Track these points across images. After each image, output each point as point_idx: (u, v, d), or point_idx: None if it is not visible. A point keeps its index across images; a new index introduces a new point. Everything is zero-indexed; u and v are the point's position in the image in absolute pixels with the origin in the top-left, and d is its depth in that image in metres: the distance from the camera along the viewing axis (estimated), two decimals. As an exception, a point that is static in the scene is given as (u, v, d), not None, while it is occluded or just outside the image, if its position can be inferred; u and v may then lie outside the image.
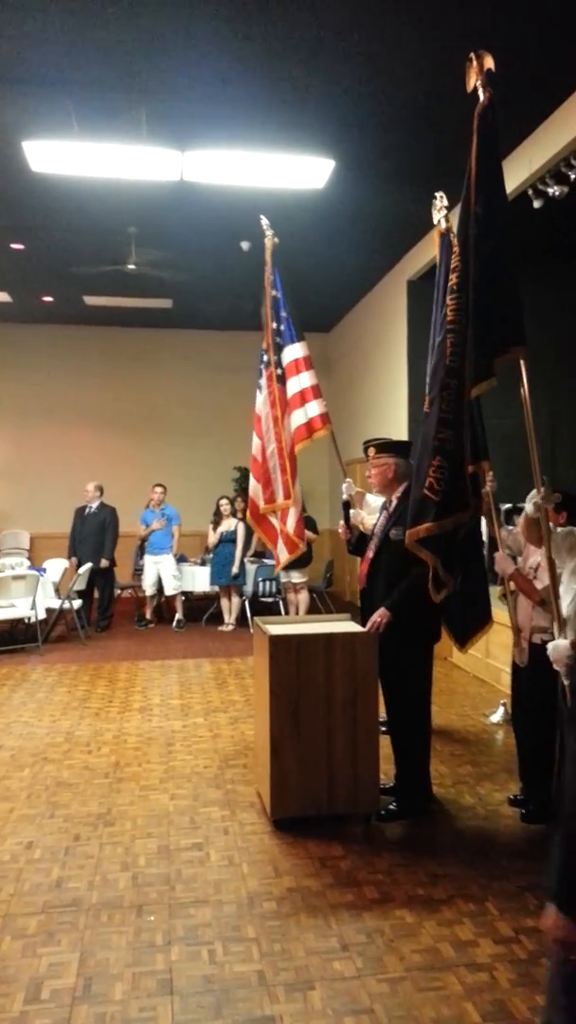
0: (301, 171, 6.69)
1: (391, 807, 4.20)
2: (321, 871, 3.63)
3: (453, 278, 3.64)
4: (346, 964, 2.92)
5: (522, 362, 3.49)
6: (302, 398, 5.42)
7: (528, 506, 3.72)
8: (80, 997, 2.75)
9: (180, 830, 4.10)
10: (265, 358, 5.58)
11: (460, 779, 4.73)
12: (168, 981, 2.83)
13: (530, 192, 6.47)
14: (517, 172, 6.46)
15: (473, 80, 3.58)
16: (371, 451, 4.34)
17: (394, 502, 4.26)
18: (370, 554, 4.30)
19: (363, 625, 4.24)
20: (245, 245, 8.58)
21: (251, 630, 9.39)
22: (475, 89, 3.61)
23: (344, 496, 5.62)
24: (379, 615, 4.07)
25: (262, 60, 5.19)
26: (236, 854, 3.81)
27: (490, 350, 3.46)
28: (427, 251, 8.44)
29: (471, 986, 2.78)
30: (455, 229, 3.87)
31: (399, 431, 9.16)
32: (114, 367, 12.56)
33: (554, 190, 6.28)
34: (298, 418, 5.40)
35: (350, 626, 4.45)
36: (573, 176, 6.02)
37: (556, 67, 5.25)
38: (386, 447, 4.35)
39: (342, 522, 4.69)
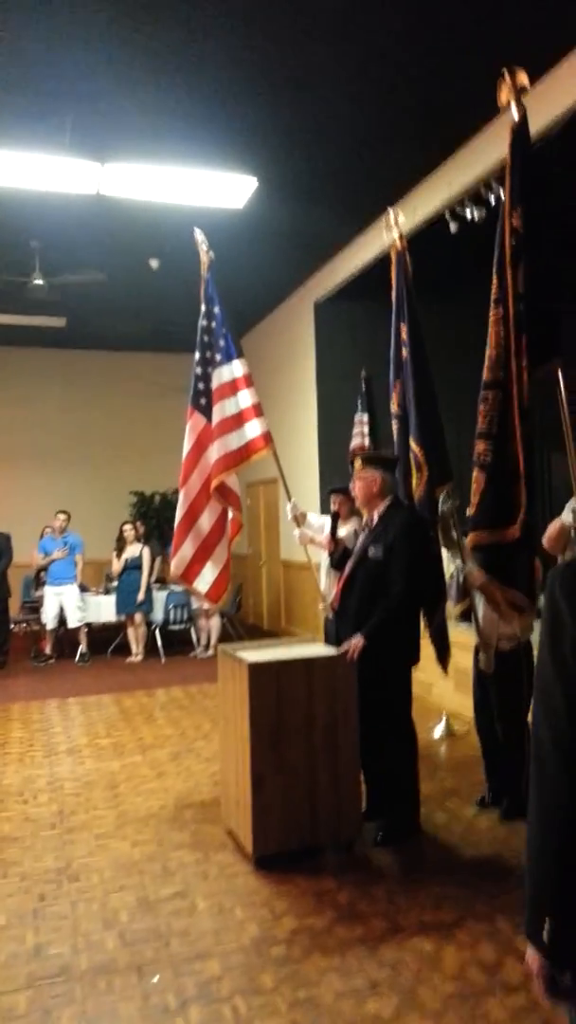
0: (223, 189, 6.58)
1: (381, 832, 4.07)
2: (320, 907, 3.46)
3: (494, 291, 3.62)
4: (382, 1004, 2.76)
5: (559, 372, 3.51)
6: (238, 420, 5.21)
7: (567, 514, 3.74)
8: (103, 1079, 2.46)
9: (155, 879, 3.81)
10: (200, 386, 5.32)
11: (426, 798, 4.64)
12: (197, 1047, 2.59)
13: (447, 215, 6.63)
14: (435, 195, 6.63)
15: (506, 96, 3.61)
16: (358, 462, 4.23)
17: (375, 519, 4.16)
18: (346, 571, 4.18)
19: (336, 645, 4.11)
20: (154, 263, 8.37)
21: (161, 659, 9.17)
22: (506, 105, 3.65)
23: (289, 516, 5.51)
24: (354, 643, 3.94)
25: (188, 75, 5.07)
26: (224, 899, 3.58)
27: (533, 360, 3.47)
28: (335, 274, 8.53)
29: (514, 1010, 2.69)
30: (497, 244, 3.78)
31: (309, 451, 9.16)
32: (1, 389, 11.89)
33: (472, 213, 6.46)
34: (231, 442, 5.18)
35: (321, 649, 4.32)
36: (492, 199, 6.21)
37: (475, 88, 5.38)
38: (373, 460, 4.25)
39: (328, 535, 4.57)
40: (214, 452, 5.08)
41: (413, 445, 4.65)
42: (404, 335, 4.70)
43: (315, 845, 3.93)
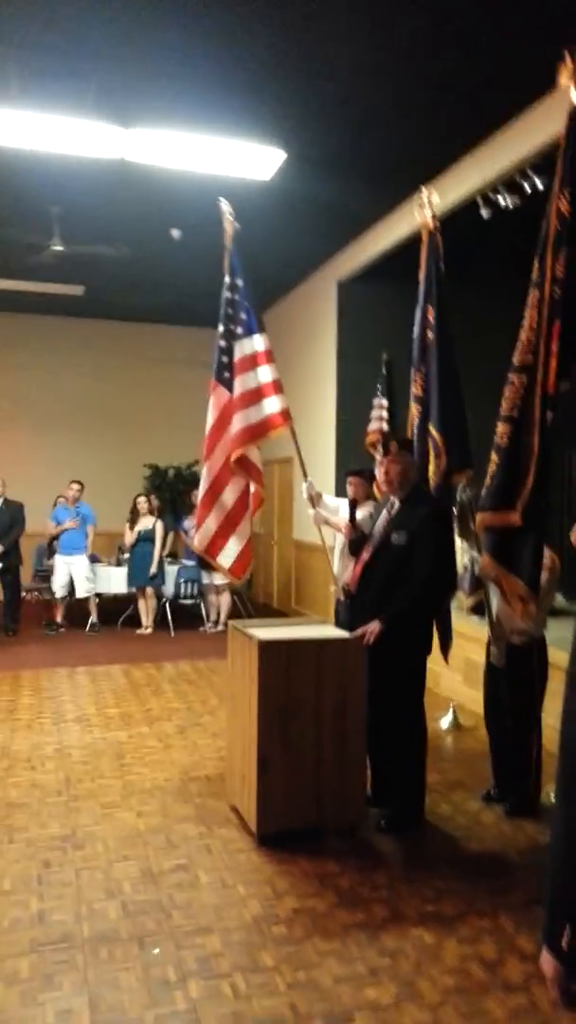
0: (250, 160, 6.50)
1: (387, 819, 4.08)
2: (322, 890, 3.47)
3: (535, 273, 3.56)
4: (380, 991, 2.78)
5: None
6: (258, 394, 5.15)
7: None
8: (103, 1048, 2.48)
9: (158, 851, 3.84)
10: (223, 359, 5.26)
11: (430, 788, 4.63)
12: (195, 1021, 2.60)
13: (480, 200, 6.53)
14: (469, 179, 6.52)
15: (565, 79, 3.53)
16: (393, 445, 4.19)
17: (397, 504, 4.13)
18: (366, 556, 4.16)
19: (350, 630, 4.10)
20: (176, 233, 8.29)
21: (171, 633, 9.20)
22: (566, 89, 3.56)
23: (304, 495, 5.49)
24: (372, 627, 3.94)
25: (218, 42, 4.97)
26: (227, 875, 3.60)
27: (572, 350, 3.42)
28: (361, 253, 8.43)
29: (513, 1010, 2.68)
30: (544, 226, 3.68)
31: (326, 432, 9.12)
32: (18, 357, 11.85)
33: (506, 201, 6.36)
34: (251, 416, 5.13)
35: (333, 631, 4.31)
36: (528, 187, 6.11)
37: (517, 72, 5.27)
38: (407, 444, 4.23)
39: (347, 519, 4.53)
40: (234, 425, 5.05)
41: (433, 431, 4.60)
42: (431, 317, 4.64)
43: (318, 827, 3.94)
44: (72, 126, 5.79)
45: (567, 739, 1.38)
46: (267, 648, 3.83)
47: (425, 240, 4.73)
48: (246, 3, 4.56)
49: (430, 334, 4.61)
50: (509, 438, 3.60)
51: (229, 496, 5.09)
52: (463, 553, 5.86)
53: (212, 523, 5.04)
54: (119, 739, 5.53)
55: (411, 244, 7.54)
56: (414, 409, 4.87)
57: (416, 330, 4.74)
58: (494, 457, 3.65)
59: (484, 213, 6.56)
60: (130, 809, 4.33)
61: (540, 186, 6.01)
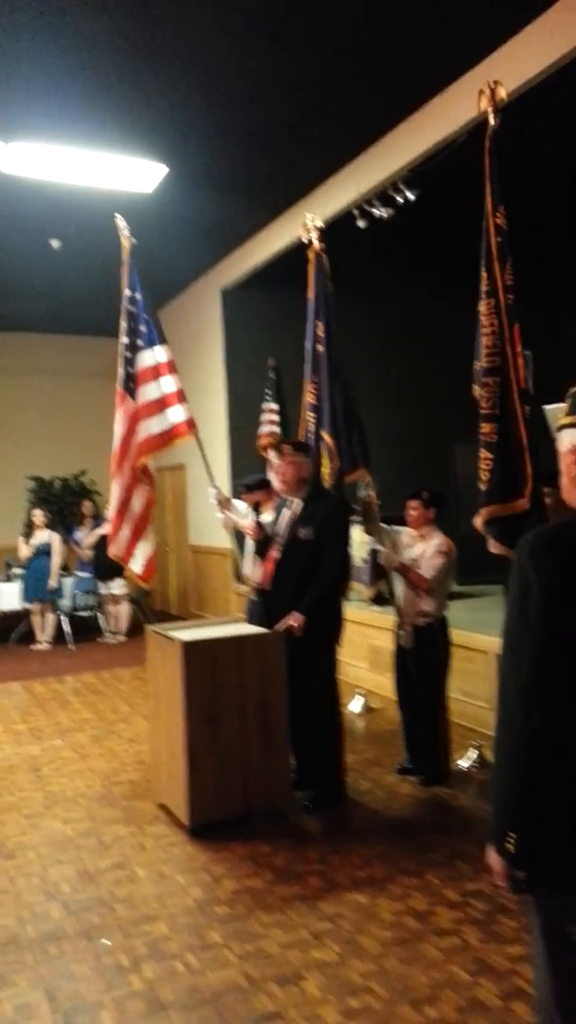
0: (132, 174, 6.62)
1: (311, 799, 4.28)
2: (258, 870, 3.63)
3: (484, 284, 3.84)
4: (325, 951, 2.96)
5: None
6: (161, 404, 5.29)
7: None
8: (68, 1034, 2.55)
9: (92, 852, 3.89)
10: (129, 370, 5.36)
11: (349, 768, 4.85)
12: (155, 999, 2.71)
13: (356, 212, 6.87)
14: (344, 193, 6.86)
15: (484, 105, 3.85)
16: (286, 447, 4.40)
17: (299, 502, 4.34)
18: (275, 554, 4.34)
19: (268, 626, 4.29)
20: (55, 243, 8.25)
21: (70, 645, 9.09)
22: (484, 114, 3.91)
23: (212, 500, 5.63)
24: (295, 619, 4.14)
25: (99, 58, 5.07)
26: (164, 867, 3.70)
27: None
28: (243, 262, 8.64)
29: (448, 950, 2.94)
30: (483, 241, 3.96)
31: (219, 436, 9.26)
32: None
33: (380, 212, 6.73)
34: (152, 426, 5.27)
35: (248, 628, 4.47)
36: (400, 200, 6.49)
37: (386, 92, 5.62)
38: (301, 446, 4.45)
39: (254, 520, 4.70)
40: (139, 435, 5.16)
41: (325, 436, 4.91)
42: (320, 332, 4.92)
43: (248, 814, 4.10)
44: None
45: (502, 673, 1.62)
46: (191, 648, 3.95)
47: (312, 260, 4.99)
48: (127, 22, 4.67)
49: (320, 347, 4.89)
50: (497, 434, 3.86)
51: (136, 504, 5.19)
52: (362, 546, 6.16)
53: (126, 531, 5.13)
54: (32, 753, 5.49)
55: (292, 253, 7.83)
56: (309, 416, 5.14)
57: (307, 344, 5.02)
58: (485, 454, 3.88)
59: (360, 223, 6.91)
60: (55, 817, 4.35)
61: (412, 197, 6.42)
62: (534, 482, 3.83)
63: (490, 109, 3.91)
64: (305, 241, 5.14)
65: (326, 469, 4.93)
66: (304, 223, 5.12)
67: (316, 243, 5.00)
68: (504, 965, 2.82)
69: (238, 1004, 2.67)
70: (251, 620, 4.94)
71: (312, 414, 5.12)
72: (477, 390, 3.92)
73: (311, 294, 5.08)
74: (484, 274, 3.88)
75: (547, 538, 1.63)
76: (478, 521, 3.89)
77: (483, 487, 3.92)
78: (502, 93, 3.93)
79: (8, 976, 2.88)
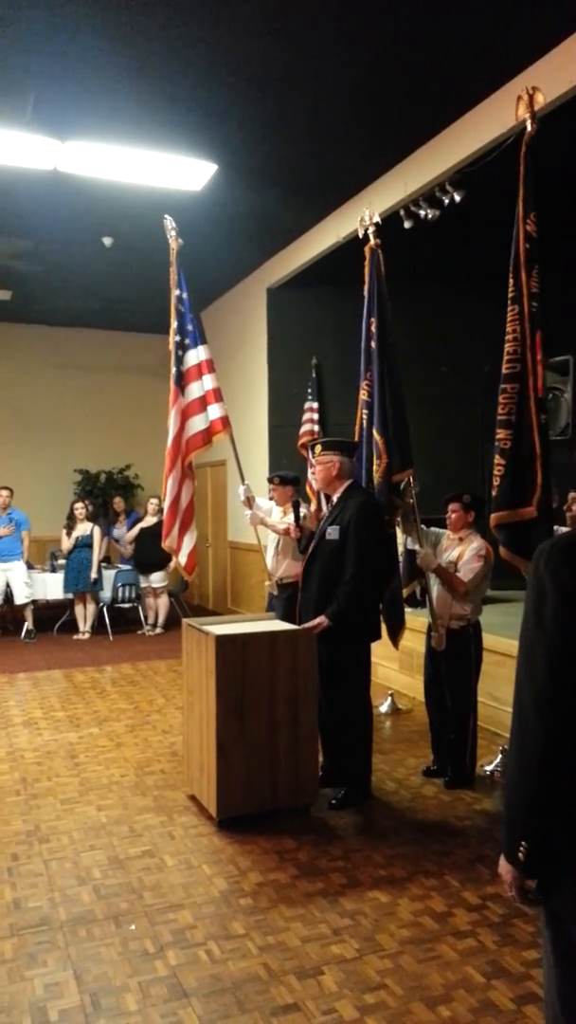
0: (182, 172, 6.71)
1: (338, 797, 4.35)
2: (282, 864, 3.71)
3: (510, 290, 3.87)
4: (344, 947, 3.03)
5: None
6: (203, 403, 5.42)
7: None
8: (92, 1013, 2.66)
9: (123, 839, 4.01)
10: (174, 370, 5.50)
11: (375, 768, 4.94)
12: (177, 985, 2.81)
13: (402, 213, 6.89)
14: (391, 193, 6.87)
15: (523, 112, 3.87)
16: (317, 448, 4.47)
17: (334, 501, 4.40)
18: (308, 553, 4.42)
19: (298, 624, 4.36)
20: (108, 241, 8.40)
21: (109, 637, 9.28)
22: (523, 121, 3.94)
23: (241, 498, 5.75)
24: (319, 621, 4.20)
25: (154, 58, 5.15)
26: (192, 857, 3.80)
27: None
28: (289, 261, 8.70)
29: (463, 952, 2.99)
30: (513, 247, 3.97)
31: (260, 434, 9.34)
32: None
33: (426, 212, 6.74)
34: (197, 424, 5.40)
35: (281, 624, 4.55)
36: (446, 200, 6.50)
37: (437, 93, 5.62)
38: (331, 445, 4.50)
39: (292, 522, 4.77)
40: (187, 432, 5.31)
41: (375, 434, 4.92)
42: (374, 329, 4.92)
43: (275, 809, 4.18)
44: (8, 138, 5.89)
45: (518, 682, 1.65)
46: (223, 642, 4.04)
47: (368, 257, 5.01)
48: (179, 22, 4.75)
49: (373, 344, 4.90)
50: (511, 441, 3.89)
51: (184, 498, 5.33)
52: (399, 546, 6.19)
53: (177, 525, 5.27)
54: (70, 740, 5.65)
55: (336, 253, 7.89)
56: (361, 414, 5.16)
57: (363, 341, 5.03)
58: (499, 460, 3.92)
59: (406, 224, 6.92)
60: (89, 804, 4.48)
61: (458, 199, 6.42)
62: (543, 491, 3.84)
63: (527, 115, 3.91)
64: (361, 236, 5.14)
65: (376, 467, 4.93)
66: (362, 218, 5.13)
67: (372, 239, 5.01)
68: (518, 969, 2.86)
69: (257, 994, 2.75)
70: (276, 613, 5.05)
71: (365, 411, 5.13)
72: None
73: (366, 290, 5.09)
74: (511, 280, 3.88)
75: (563, 546, 1.63)
76: (492, 521, 3.94)
77: (494, 492, 3.95)
78: (540, 99, 3.92)
79: (39, 956, 3.00)
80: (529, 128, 3.92)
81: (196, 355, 5.42)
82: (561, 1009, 1.70)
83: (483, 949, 3.01)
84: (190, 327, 5.40)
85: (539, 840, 1.60)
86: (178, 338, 5.41)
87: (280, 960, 2.95)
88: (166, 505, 5.32)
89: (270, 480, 6.40)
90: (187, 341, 5.36)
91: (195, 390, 5.41)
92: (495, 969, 2.88)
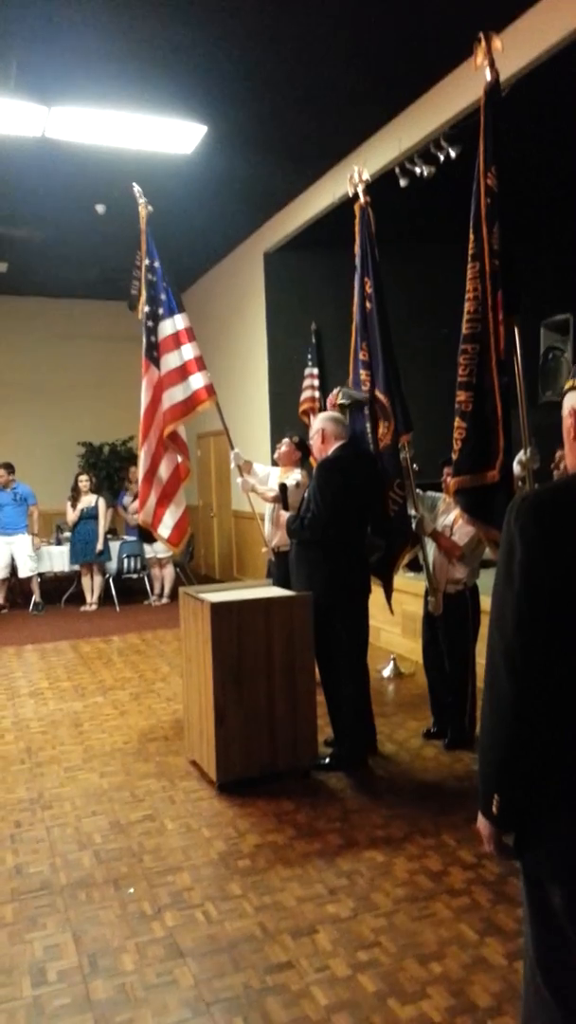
0: (171, 135, 6.59)
1: (327, 759, 4.38)
2: (280, 826, 3.75)
3: (471, 247, 3.75)
4: (339, 906, 3.07)
5: (516, 329, 3.70)
6: (183, 372, 5.39)
7: (515, 466, 3.96)
8: (90, 973, 2.71)
9: (124, 805, 4.06)
10: (151, 339, 5.44)
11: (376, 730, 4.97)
12: (174, 945, 2.85)
13: (397, 171, 6.75)
14: (386, 150, 6.74)
15: (480, 59, 3.72)
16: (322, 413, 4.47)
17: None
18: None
19: (284, 586, 4.37)
20: (101, 208, 8.30)
21: (116, 608, 9.33)
22: (480, 68, 3.76)
23: (232, 465, 5.73)
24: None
25: (139, 19, 5.04)
26: (191, 820, 3.84)
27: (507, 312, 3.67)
28: (285, 224, 8.58)
29: (458, 909, 3.02)
30: (473, 201, 3.81)
31: (260, 401, 9.29)
32: None
33: (421, 170, 6.60)
34: (176, 395, 5.37)
35: (277, 591, 4.56)
36: (442, 157, 6.36)
37: (429, 47, 5.48)
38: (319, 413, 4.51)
39: (277, 489, 4.77)
40: (164, 403, 5.27)
41: (380, 395, 4.82)
42: (368, 289, 4.83)
43: (274, 772, 4.21)
44: (-7, 105, 5.80)
45: (490, 637, 1.64)
46: (219, 609, 4.05)
47: (358, 215, 4.89)
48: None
49: (369, 304, 4.81)
50: (472, 403, 3.81)
51: (164, 470, 5.32)
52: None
53: (153, 498, 5.25)
54: (75, 709, 5.70)
55: (333, 215, 7.75)
56: (363, 375, 5.05)
57: (356, 301, 4.92)
58: (460, 423, 3.83)
59: (402, 182, 6.79)
60: (92, 771, 4.53)
61: (453, 155, 6.28)
62: (506, 455, 3.77)
63: (485, 62, 3.76)
64: (351, 195, 5.03)
65: (383, 429, 4.84)
66: (351, 176, 5.02)
67: (362, 197, 4.90)
68: (511, 926, 2.89)
69: (252, 953, 2.79)
70: (273, 580, 5.06)
71: (366, 371, 5.01)
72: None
73: (357, 250, 4.98)
74: (471, 235, 3.76)
75: (534, 502, 1.60)
76: (451, 485, 3.87)
77: (454, 456, 3.87)
78: (498, 44, 3.76)
79: (39, 919, 3.05)
80: (488, 77, 3.77)
81: (172, 324, 5.38)
82: (536, 960, 1.72)
83: (477, 907, 3.03)
84: (163, 296, 5.34)
85: (512, 793, 1.61)
86: (147, 308, 5.35)
87: (275, 920, 2.99)
88: (139, 477, 5.32)
89: (289, 439, 6.20)
90: (160, 311, 5.31)
91: (173, 360, 5.38)
92: (488, 926, 2.90)
